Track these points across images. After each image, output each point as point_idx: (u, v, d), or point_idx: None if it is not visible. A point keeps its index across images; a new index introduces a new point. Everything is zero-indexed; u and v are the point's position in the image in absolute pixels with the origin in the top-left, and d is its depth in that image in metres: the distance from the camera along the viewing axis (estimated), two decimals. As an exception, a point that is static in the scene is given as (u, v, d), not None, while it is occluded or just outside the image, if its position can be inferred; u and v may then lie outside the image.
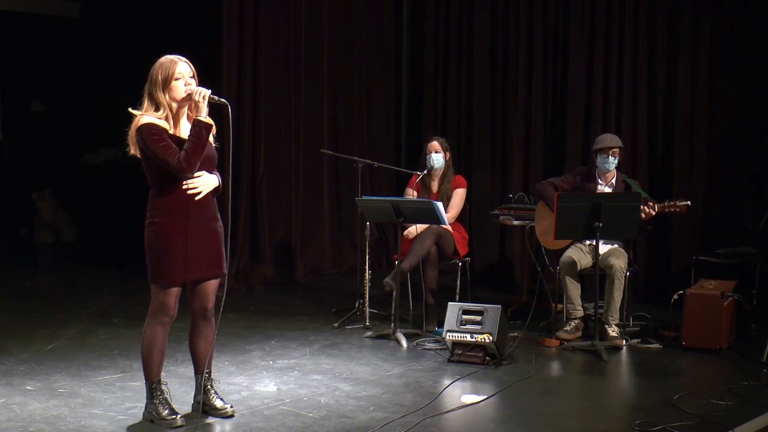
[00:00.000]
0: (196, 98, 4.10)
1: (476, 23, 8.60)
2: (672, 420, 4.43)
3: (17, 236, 10.51)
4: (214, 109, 4.19)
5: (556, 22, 8.08)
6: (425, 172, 6.70)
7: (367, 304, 6.51)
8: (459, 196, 6.68)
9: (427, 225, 6.36)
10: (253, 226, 8.14)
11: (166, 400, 4.29)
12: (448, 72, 8.86)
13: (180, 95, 4.10)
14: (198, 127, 4.08)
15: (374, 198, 6.41)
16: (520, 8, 8.24)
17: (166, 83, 4.08)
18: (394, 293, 6.15)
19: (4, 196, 10.65)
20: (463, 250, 6.62)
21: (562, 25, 8.04)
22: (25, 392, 4.75)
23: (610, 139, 6.29)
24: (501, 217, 7.11)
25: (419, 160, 7.02)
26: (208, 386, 4.43)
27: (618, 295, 6.02)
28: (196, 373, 4.45)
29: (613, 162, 6.24)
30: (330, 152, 7.87)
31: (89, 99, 10.67)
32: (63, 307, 6.89)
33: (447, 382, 5.11)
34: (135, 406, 4.51)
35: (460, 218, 6.74)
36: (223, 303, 4.29)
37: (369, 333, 6.23)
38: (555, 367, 5.61)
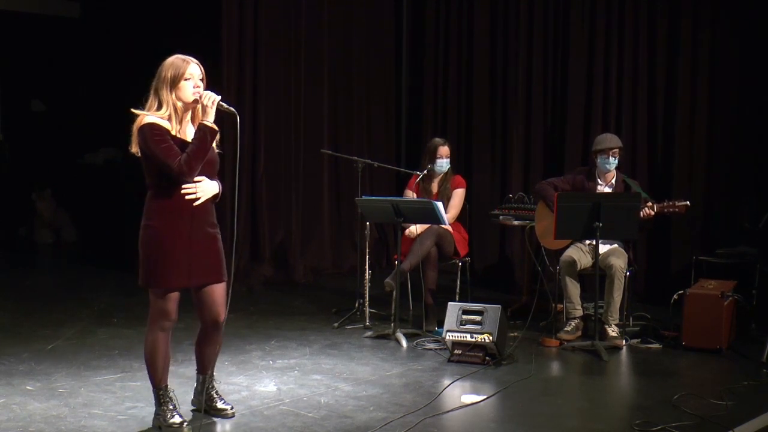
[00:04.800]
0: (206, 102, 4.01)
1: (476, 24, 8.59)
2: (672, 420, 4.43)
3: (17, 236, 10.51)
4: (218, 115, 4.09)
5: (556, 22, 8.08)
6: (425, 172, 6.69)
7: (367, 304, 6.51)
8: (458, 196, 6.68)
9: (428, 225, 6.36)
10: (253, 226, 8.14)
11: (174, 407, 4.22)
12: (448, 72, 8.86)
13: (188, 97, 4.01)
14: (203, 132, 4.00)
15: (374, 198, 6.41)
16: (520, 8, 8.23)
17: (175, 82, 3.99)
18: (394, 293, 6.15)
19: (4, 196, 10.65)
20: (463, 250, 6.62)
21: (562, 25, 8.04)
22: (25, 392, 4.74)
23: (610, 140, 6.28)
24: (501, 217, 7.10)
25: (420, 160, 7.01)
26: (210, 387, 4.43)
27: (618, 295, 6.02)
28: (198, 372, 4.44)
29: (613, 162, 6.24)
30: (330, 152, 7.86)
31: (89, 99, 10.67)
32: (63, 307, 6.88)
33: (447, 382, 5.11)
34: (135, 406, 4.51)
35: (460, 218, 6.74)
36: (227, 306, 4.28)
37: (369, 333, 6.23)
38: (555, 367, 5.60)
